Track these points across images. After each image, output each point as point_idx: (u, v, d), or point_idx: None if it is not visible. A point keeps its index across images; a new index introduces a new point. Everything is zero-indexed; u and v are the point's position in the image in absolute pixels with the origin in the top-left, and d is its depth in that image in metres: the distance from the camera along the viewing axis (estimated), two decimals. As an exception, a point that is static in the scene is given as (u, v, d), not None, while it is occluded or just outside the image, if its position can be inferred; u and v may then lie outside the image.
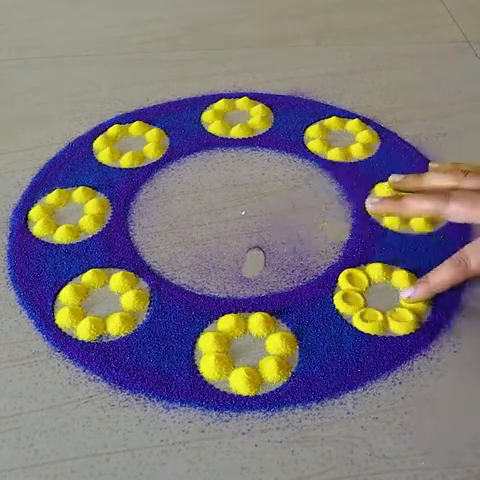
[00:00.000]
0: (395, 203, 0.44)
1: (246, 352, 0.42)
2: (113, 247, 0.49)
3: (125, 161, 0.56)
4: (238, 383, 0.40)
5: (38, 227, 0.50)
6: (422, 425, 0.38)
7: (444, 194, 0.42)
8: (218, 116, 0.61)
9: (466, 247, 0.43)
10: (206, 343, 0.42)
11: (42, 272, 0.47)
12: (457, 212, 0.42)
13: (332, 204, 0.52)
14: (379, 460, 0.36)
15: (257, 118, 0.60)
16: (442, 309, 0.44)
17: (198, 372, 0.41)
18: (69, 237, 0.49)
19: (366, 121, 0.60)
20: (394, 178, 0.47)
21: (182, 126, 0.60)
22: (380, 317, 0.43)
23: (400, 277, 0.46)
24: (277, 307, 0.44)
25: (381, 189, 0.52)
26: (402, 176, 0.46)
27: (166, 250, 0.49)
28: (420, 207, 0.43)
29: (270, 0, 0.81)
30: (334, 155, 0.56)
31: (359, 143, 0.57)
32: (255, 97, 0.63)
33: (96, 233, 0.50)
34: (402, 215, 0.47)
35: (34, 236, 0.50)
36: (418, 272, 0.46)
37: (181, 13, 0.79)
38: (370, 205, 0.46)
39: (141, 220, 0.51)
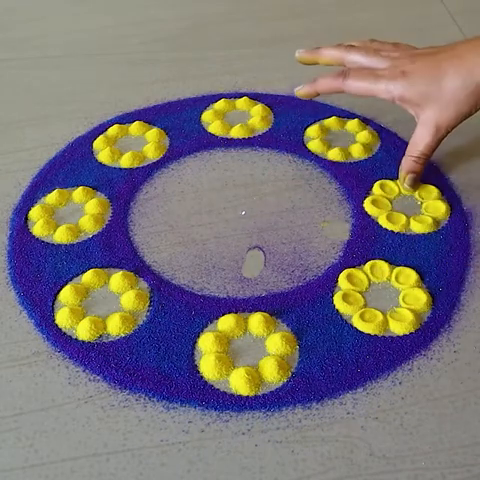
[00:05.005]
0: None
1: (246, 352, 0.42)
2: (113, 247, 0.49)
3: (125, 161, 0.56)
4: (238, 383, 0.40)
5: (38, 227, 0.50)
6: (422, 425, 0.38)
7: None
8: (218, 116, 0.61)
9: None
10: (206, 343, 0.42)
11: (42, 272, 0.47)
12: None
13: (332, 204, 0.52)
14: (379, 460, 0.36)
15: (257, 118, 0.60)
16: (442, 309, 0.44)
17: (198, 372, 0.41)
18: (69, 237, 0.49)
19: (366, 121, 0.60)
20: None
21: (182, 126, 0.60)
22: (380, 317, 0.43)
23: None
24: (277, 307, 0.44)
25: (378, 188, 0.53)
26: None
27: (166, 250, 0.49)
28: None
29: (270, 0, 0.81)
30: (334, 155, 0.56)
31: (359, 143, 0.57)
32: (255, 97, 0.63)
33: (96, 233, 0.50)
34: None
35: (34, 236, 0.50)
36: (418, 272, 0.46)
37: (181, 13, 0.79)
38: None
39: (141, 220, 0.51)
